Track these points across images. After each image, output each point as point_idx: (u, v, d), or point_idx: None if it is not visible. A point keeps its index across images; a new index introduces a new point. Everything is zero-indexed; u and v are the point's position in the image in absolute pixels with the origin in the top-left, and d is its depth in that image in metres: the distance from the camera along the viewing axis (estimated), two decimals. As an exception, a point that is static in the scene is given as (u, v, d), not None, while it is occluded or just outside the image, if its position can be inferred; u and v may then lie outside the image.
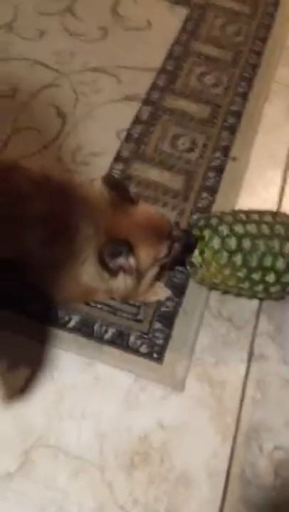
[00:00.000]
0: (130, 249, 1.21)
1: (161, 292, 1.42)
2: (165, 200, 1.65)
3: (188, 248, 1.36)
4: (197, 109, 1.92)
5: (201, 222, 1.39)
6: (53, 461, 1.17)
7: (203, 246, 1.34)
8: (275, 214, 1.40)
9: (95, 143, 1.74)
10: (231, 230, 1.34)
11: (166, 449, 1.22)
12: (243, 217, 1.37)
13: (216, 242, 1.33)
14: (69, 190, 1.29)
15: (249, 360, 1.38)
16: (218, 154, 1.80)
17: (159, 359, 1.34)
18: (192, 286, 1.47)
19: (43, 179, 1.29)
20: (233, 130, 1.88)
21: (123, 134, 1.79)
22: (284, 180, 1.79)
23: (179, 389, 1.30)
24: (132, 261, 1.23)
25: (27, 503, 1.11)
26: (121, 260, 1.21)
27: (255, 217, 1.38)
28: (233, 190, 1.70)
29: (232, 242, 1.32)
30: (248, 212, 1.40)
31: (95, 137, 1.76)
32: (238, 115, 1.93)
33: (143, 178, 1.69)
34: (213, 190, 1.70)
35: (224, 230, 1.34)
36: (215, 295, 1.48)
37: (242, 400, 1.31)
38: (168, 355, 1.35)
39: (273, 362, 1.38)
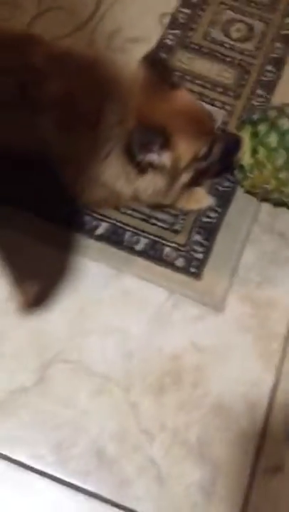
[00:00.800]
0: (166, 140, 1.01)
1: (204, 200, 1.23)
2: (213, 96, 1.41)
3: (229, 152, 1.14)
4: (256, -7, 1.61)
5: (256, 116, 1.16)
6: (73, 377, 1.05)
7: (257, 143, 1.12)
8: None
9: (134, 27, 1.49)
10: (294, 124, 1.11)
11: (201, 372, 1.08)
12: (311, 109, 1.14)
13: (273, 139, 1.11)
14: (95, 69, 1.08)
15: (302, 282, 1.20)
16: (278, 45, 1.52)
17: (197, 274, 1.17)
18: (240, 197, 1.27)
19: (63, 55, 1.08)
20: (298, 17, 1.58)
21: (167, 19, 1.53)
22: None
23: (218, 309, 1.14)
24: (166, 156, 1.03)
25: (41, 421, 1.00)
26: (152, 153, 1.01)
27: None
28: (294, 86, 1.44)
29: (293, 139, 1.10)
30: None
31: (134, 21, 1.51)
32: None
33: (188, 70, 1.44)
34: (270, 88, 1.44)
35: (285, 123, 1.11)
36: (266, 207, 1.27)
37: (291, 325, 1.14)
38: (207, 271, 1.18)
39: None
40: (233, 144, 1.14)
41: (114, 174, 1.08)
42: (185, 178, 1.13)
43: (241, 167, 1.17)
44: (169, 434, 1.02)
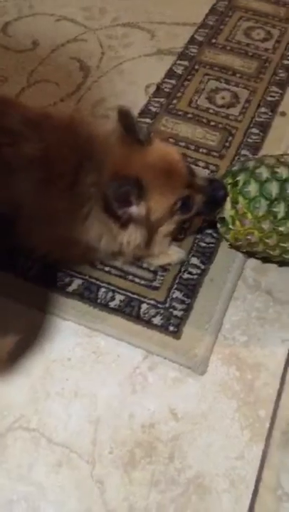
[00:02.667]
0: (140, 190, 0.97)
1: (174, 254, 1.16)
2: (196, 156, 1.40)
3: (215, 202, 1.10)
4: (242, 64, 1.67)
5: (236, 167, 1.12)
6: (30, 447, 0.93)
7: (237, 193, 1.07)
8: None
9: (120, 97, 1.53)
10: (273, 173, 1.07)
11: (178, 443, 0.94)
12: (289, 159, 1.10)
13: (252, 188, 1.06)
14: (71, 129, 1.08)
15: (292, 341, 1.09)
16: (263, 109, 1.53)
17: (176, 333, 1.07)
18: (224, 252, 1.20)
19: (40, 117, 1.09)
20: (283, 85, 1.61)
21: (152, 89, 1.57)
22: None
23: (198, 371, 1.03)
24: (141, 207, 0.99)
25: (-12, 496, 0.87)
26: (131, 206, 0.98)
27: (305, 160, 1.10)
28: (279, 148, 1.42)
29: (273, 188, 1.05)
30: (296, 156, 1.12)
31: (121, 91, 1.55)
32: (290, 70, 1.66)
33: (172, 133, 1.45)
34: (255, 148, 1.43)
35: (263, 172, 1.07)
36: (252, 263, 1.20)
37: (281, 389, 1.02)
38: (187, 330, 1.08)
39: None
40: (220, 193, 1.09)
41: (96, 233, 1.05)
42: (166, 229, 1.09)
43: (223, 220, 1.12)
44: (138, 517, 0.87)
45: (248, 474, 0.92)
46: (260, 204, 1.05)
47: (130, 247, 1.06)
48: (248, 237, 1.09)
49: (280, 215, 1.05)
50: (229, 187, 1.09)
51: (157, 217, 1.04)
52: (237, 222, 1.08)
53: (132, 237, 1.04)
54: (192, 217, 1.14)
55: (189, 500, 0.89)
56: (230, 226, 1.10)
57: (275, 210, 1.05)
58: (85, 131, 1.08)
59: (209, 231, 1.23)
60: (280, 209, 1.04)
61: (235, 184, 1.08)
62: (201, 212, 1.11)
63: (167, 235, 1.11)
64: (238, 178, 1.08)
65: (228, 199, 1.09)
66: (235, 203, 1.08)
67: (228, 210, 1.10)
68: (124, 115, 1.06)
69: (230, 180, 1.10)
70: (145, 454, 0.93)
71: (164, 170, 1.03)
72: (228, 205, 1.09)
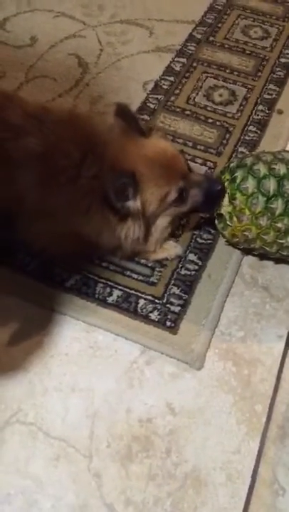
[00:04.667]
0: (136, 183, 0.98)
1: (170, 249, 1.16)
2: (194, 153, 1.41)
3: (212, 198, 1.10)
4: (239, 62, 1.67)
5: (234, 163, 1.13)
6: (28, 441, 0.93)
7: (234, 190, 1.08)
8: None
9: (118, 93, 1.53)
10: (271, 169, 1.07)
11: (175, 438, 0.95)
12: (287, 156, 1.10)
13: (250, 184, 1.07)
14: (72, 124, 1.08)
15: (288, 337, 1.09)
16: (261, 107, 1.54)
17: (173, 328, 1.08)
18: (221, 248, 1.21)
19: (40, 112, 1.09)
20: (280, 83, 1.62)
21: (150, 86, 1.57)
22: None
23: (195, 366, 1.03)
24: (137, 201, 1.01)
25: (-15, 489, 0.87)
26: (129, 200, 0.99)
27: (302, 156, 1.10)
28: (276, 145, 1.43)
29: (270, 184, 1.06)
30: (294, 152, 1.13)
31: (118, 87, 1.55)
32: (288, 68, 1.66)
33: (170, 130, 1.45)
34: (252, 145, 1.44)
35: (261, 169, 1.07)
36: (249, 260, 1.21)
37: (277, 384, 1.02)
38: (184, 326, 1.09)
39: None
40: (216, 189, 1.09)
41: (96, 226, 1.06)
42: (162, 222, 1.09)
43: (220, 216, 1.12)
44: (135, 510, 0.87)
45: (245, 468, 0.92)
46: (258, 200, 1.06)
47: (128, 240, 1.07)
48: (246, 233, 1.09)
49: (278, 211, 1.05)
50: (227, 183, 1.10)
51: (153, 209, 1.05)
52: (234, 219, 1.09)
53: (130, 230, 1.05)
54: (189, 213, 1.14)
55: (186, 494, 0.89)
56: (228, 222, 1.11)
57: (272, 206, 1.05)
58: (85, 125, 1.08)
59: (207, 227, 1.23)
60: (278, 205, 1.05)
61: (233, 180, 1.09)
62: (198, 208, 1.12)
63: (164, 229, 1.11)
64: (235, 175, 1.09)
65: (226, 195, 1.09)
66: (232, 199, 1.08)
67: (225, 207, 1.10)
68: (123, 108, 1.07)
69: (228, 177, 1.10)
70: (142, 448, 0.93)
71: (160, 162, 1.04)
72: (225, 201, 1.10)
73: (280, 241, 1.08)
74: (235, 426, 0.97)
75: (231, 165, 1.13)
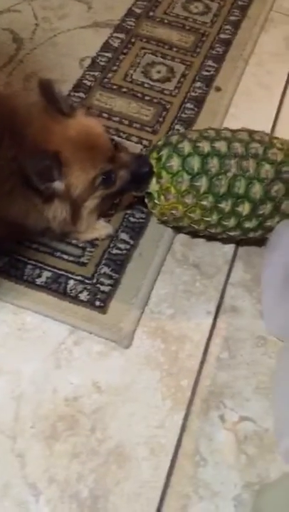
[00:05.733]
0: (60, 164, 0.97)
1: (101, 228, 1.16)
2: (130, 131, 1.39)
3: (140, 178, 1.10)
4: (179, 37, 1.66)
5: (160, 142, 1.12)
6: None
7: (160, 168, 1.08)
8: (252, 132, 1.13)
9: (53, 70, 1.50)
10: (195, 147, 1.07)
11: (101, 415, 0.96)
12: (212, 134, 1.10)
13: (175, 163, 1.07)
14: None
15: (217, 313, 1.11)
16: (199, 84, 1.53)
17: (102, 308, 1.08)
18: (153, 227, 1.21)
19: None
20: (219, 59, 1.61)
21: (87, 62, 1.54)
22: (276, 117, 1.50)
23: (123, 344, 1.04)
24: (62, 182, 0.99)
25: None
26: (54, 181, 0.98)
27: (228, 134, 1.11)
28: (213, 122, 1.43)
29: (195, 162, 1.06)
30: (220, 130, 1.13)
31: (54, 64, 1.52)
32: (227, 44, 1.66)
33: (105, 108, 1.43)
34: (188, 123, 1.43)
35: (186, 147, 1.07)
36: (181, 238, 1.21)
37: (203, 359, 1.05)
38: (114, 305, 1.09)
39: (246, 316, 1.11)
40: (144, 169, 1.09)
41: (22, 208, 1.04)
42: (91, 204, 1.09)
43: (149, 194, 1.12)
44: (57, 488, 0.88)
45: (168, 442, 0.94)
46: (183, 178, 1.06)
47: (56, 222, 1.06)
48: (173, 211, 1.10)
49: (202, 189, 1.06)
50: (154, 162, 1.09)
51: (79, 191, 1.03)
52: (162, 197, 1.09)
53: (57, 212, 1.04)
54: (119, 193, 1.14)
55: (109, 470, 0.91)
56: (156, 201, 1.11)
57: (197, 184, 1.06)
58: (5, 103, 1.05)
59: (139, 206, 1.23)
60: (202, 183, 1.06)
61: (158, 159, 1.08)
62: (127, 188, 1.11)
63: (93, 210, 1.11)
64: (161, 153, 1.08)
65: (153, 174, 1.09)
66: (159, 177, 1.08)
67: (153, 185, 1.10)
68: (45, 86, 1.04)
69: (155, 155, 1.10)
70: (67, 427, 0.94)
71: (85, 144, 1.02)
72: (153, 180, 1.10)
73: (207, 219, 1.09)
74: (160, 401, 0.99)
75: (158, 143, 1.13)
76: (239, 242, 1.21)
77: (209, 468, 0.92)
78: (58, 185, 1.00)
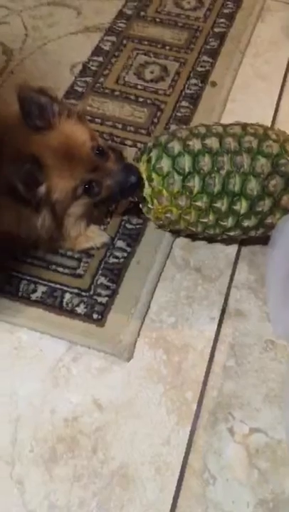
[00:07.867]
0: (39, 165, 0.94)
1: (96, 237, 1.12)
2: (124, 135, 1.35)
3: (127, 188, 1.05)
4: (171, 35, 1.61)
5: (150, 143, 1.08)
6: None
7: (150, 170, 1.03)
8: (246, 125, 1.07)
9: (45, 79, 1.47)
10: (185, 146, 1.02)
11: (102, 435, 0.91)
12: (203, 130, 1.05)
13: (164, 164, 1.02)
14: None
15: (221, 318, 1.05)
16: (194, 81, 1.48)
17: (100, 321, 1.03)
18: (151, 233, 1.16)
19: None
20: (214, 54, 1.55)
21: (78, 68, 1.51)
22: (276, 107, 1.44)
23: (123, 357, 0.99)
24: (43, 187, 0.96)
25: None
26: (39, 186, 0.95)
27: (219, 129, 1.05)
28: (209, 119, 1.37)
29: (185, 162, 1.01)
30: (210, 126, 1.07)
31: (45, 73, 1.49)
32: (222, 37, 1.60)
33: (98, 113, 1.39)
34: (184, 121, 1.38)
35: (175, 146, 1.02)
36: (181, 242, 1.16)
37: (208, 369, 0.99)
38: (112, 316, 1.04)
39: (253, 320, 1.05)
40: (131, 180, 1.04)
41: (12, 221, 1.01)
42: (75, 211, 1.05)
43: (144, 199, 1.07)
44: (59, 515, 0.84)
45: (174, 460, 0.89)
46: (174, 180, 1.01)
47: (44, 230, 1.02)
48: (168, 215, 1.04)
49: (196, 189, 1.00)
50: (144, 165, 1.05)
51: (59, 197, 1.00)
52: (155, 201, 1.04)
53: (44, 219, 1.00)
54: (109, 201, 1.10)
55: (112, 492, 0.86)
56: (150, 205, 1.06)
57: (189, 184, 1.00)
58: None
59: (136, 212, 1.18)
60: (195, 183, 1.00)
61: (148, 161, 1.04)
62: (115, 197, 1.07)
63: (79, 218, 1.06)
64: (150, 155, 1.04)
65: (144, 177, 1.04)
66: (150, 181, 1.03)
67: (146, 189, 1.05)
68: (23, 97, 1.01)
69: (145, 158, 1.05)
70: (67, 449, 0.90)
71: (64, 153, 0.99)
72: (145, 183, 1.05)
73: (203, 220, 1.03)
74: (164, 416, 0.93)
75: (148, 144, 1.08)
76: (242, 242, 1.15)
77: (219, 487, 0.86)
78: (42, 189, 0.97)
